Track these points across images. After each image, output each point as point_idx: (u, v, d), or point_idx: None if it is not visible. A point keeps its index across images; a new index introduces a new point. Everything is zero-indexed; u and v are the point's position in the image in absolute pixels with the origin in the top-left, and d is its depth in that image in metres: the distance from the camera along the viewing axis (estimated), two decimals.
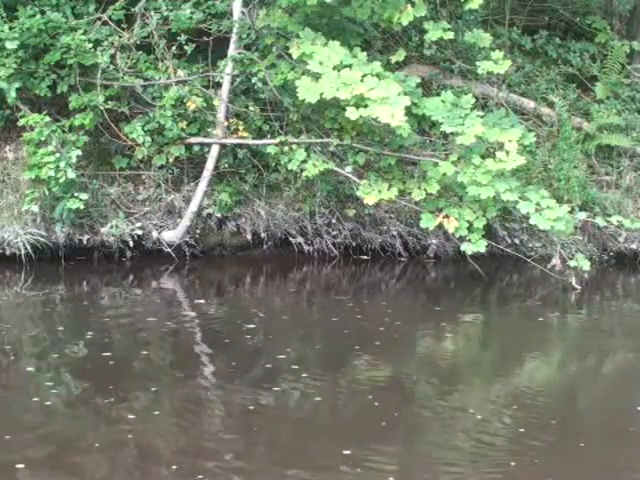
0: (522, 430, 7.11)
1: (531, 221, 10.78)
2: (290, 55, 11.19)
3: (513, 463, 6.54)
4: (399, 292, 11.72)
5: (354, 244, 12.32)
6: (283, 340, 9.22)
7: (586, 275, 11.44)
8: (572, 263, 11.24)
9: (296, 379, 8.07)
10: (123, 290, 11.04)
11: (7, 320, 9.66)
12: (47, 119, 11.15)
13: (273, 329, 9.65)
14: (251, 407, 7.45)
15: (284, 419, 7.34)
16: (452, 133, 11.01)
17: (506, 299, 11.50)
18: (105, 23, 11.80)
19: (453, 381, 8.37)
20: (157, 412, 7.34)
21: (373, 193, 11.13)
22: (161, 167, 11.80)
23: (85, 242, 11.56)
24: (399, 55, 11.57)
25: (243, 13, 11.69)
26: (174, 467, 6.35)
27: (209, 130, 11.76)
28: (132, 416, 7.16)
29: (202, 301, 10.61)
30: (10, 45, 11.07)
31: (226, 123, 11.65)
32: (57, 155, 10.97)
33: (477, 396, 8.05)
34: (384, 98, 10.28)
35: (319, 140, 11.59)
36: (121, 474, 6.32)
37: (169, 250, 11.68)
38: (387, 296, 11.39)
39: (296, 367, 8.32)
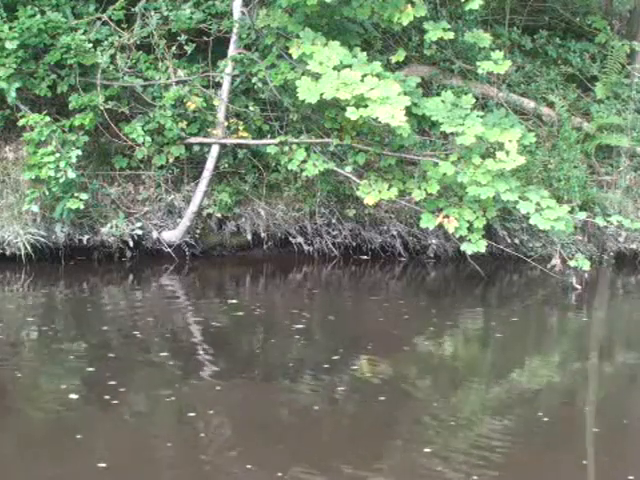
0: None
1: (531, 221, 10.79)
2: (290, 55, 11.20)
3: (585, 462, 6.66)
4: (421, 291, 11.77)
5: (354, 244, 12.32)
6: (333, 340, 9.25)
7: (586, 275, 11.43)
8: (572, 263, 11.25)
9: (357, 379, 8.16)
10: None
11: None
12: (47, 119, 11.14)
13: (320, 330, 9.69)
14: (316, 407, 7.49)
15: (353, 419, 7.39)
16: (452, 133, 11.02)
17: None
18: (105, 23, 11.80)
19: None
20: (219, 408, 7.40)
21: (373, 193, 11.13)
22: (161, 167, 11.79)
23: (85, 242, 11.55)
24: (399, 55, 11.57)
25: (243, 13, 11.69)
26: (249, 466, 6.39)
27: (209, 130, 11.76)
28: (193, 414, 7.23)
29: (234, 301, 10.64)
30: (10, 45, 11.06)
31: (226, 123, 11.65)
32: (57, 155, 10.97)
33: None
34: (384, 98, 10.28)
35: (319, 140, 11.59)
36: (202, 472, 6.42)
37: (169, 250, 11.68)
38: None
39: (355, 367, 8.41)
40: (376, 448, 6.82)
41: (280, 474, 6.29)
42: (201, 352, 8.87)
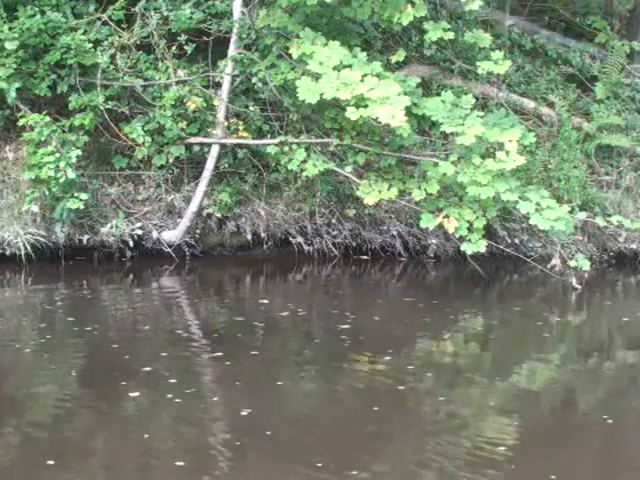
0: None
1: (531, 221, 10.79)
2: (290, 55, 11.20)
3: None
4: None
5: (354, 244, 12.32)
6: (381, 340, 9.25)
7: (586, 275, 11.43)
8: (572, 263, 11.25)
9: (413, 379, 8.21)
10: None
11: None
12: (47, 119, 11.15)
13: (367, 330, 9.64)
14: (375, 408, 7.46)
15: (417, 419, 7.41)
16: (452, 133, 11.02)
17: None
18: (105, 23, 11.81)
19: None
20: (281, 405, 7.47)
21: (373, 193, 11.13)
22: (161, 167, 11.80)
23: (85, 242, 11.56)
24: (399, 55, 11.58)
25: (243, 13, 11.70)
26: (319, 465, 6.42)
27: (209, 130, 11.76)
28: (256, 412, 7.23)
29: (266, 301, 10.68)
30: (10, 45, 11.07)
31: (226, 123, 11.65)
32: (57, 155, 10.97)
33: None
34: (384, 98, 10.29)
35: (319, 140, 11.59)
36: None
37: (169, 250, 11.68)
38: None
39: (411, 367, 8.44)
40: (445, 446, 6.83)
41: (355, 472, 6.32)
42: (254, 351, 8.78)
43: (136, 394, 7.54)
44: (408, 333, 9.60)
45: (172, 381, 7.86)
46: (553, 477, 6.34)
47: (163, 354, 8.60)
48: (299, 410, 7.50)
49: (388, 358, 8.64)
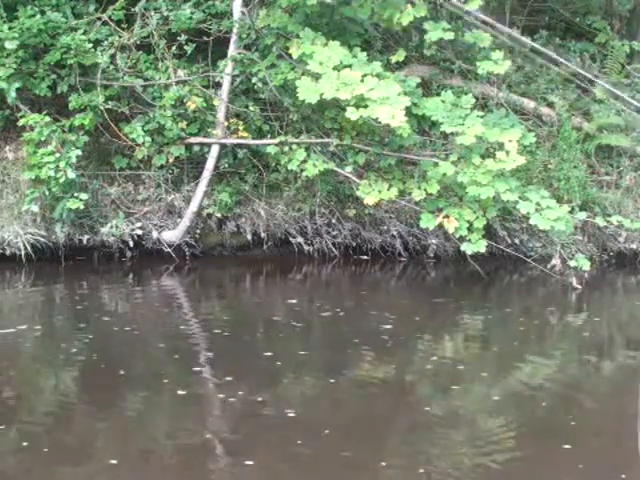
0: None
1: (531, 221, 10.80)
2: (290, 55, 11.21)
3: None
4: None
5: (354, 244, 12.32)
6: (428, 342, 9.27)
7: (586, 275, 11.43)
8: (572, 263, 11.25)
9: (465, 379, 8.21)
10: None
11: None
12: (47, 119, 11.16)
13: (410, 331, 9.62)
14: (427, 408, 7.49)
15: (470, 420, 7.40)
16: (452, 133, 11.03)
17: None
18: (105, 23, 11.81)
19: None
20: (337, 404, 7.50)
21: (373, 193, 11.14)
22: (161, 167, 11.80)
23: (85, 242, 11.56)
24: (399, 55, 11.59)
25: (243, 13, 11.71)
26: (383, 464, 6.41)
27: (209, 130, 11.76)
28: (313, 411, 7.33)
29: (293, 301, 10.68)
30: (10, 45, 11.08)
31: (226, 123, 11.66)
32: (57, 155, 10.98)
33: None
34: (384, 98, 10.29)
35: (319, 140, 11.60)
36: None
37: (169, 250, 11.68)
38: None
39: (461, 367, 8.44)
40: (507, 446, 6.85)
41: (422, 470, 6.32)
42: (302, 351, 8.81)
43: (184, 392, 7.55)
44: (451, 333, 9.68)
45: (228, 379, 7.88)
46: (623, 476, 6.34)
47: (209, 354, 8.65)
48: (355, 409, 7.49)
49: (434, 358, 8.68)
